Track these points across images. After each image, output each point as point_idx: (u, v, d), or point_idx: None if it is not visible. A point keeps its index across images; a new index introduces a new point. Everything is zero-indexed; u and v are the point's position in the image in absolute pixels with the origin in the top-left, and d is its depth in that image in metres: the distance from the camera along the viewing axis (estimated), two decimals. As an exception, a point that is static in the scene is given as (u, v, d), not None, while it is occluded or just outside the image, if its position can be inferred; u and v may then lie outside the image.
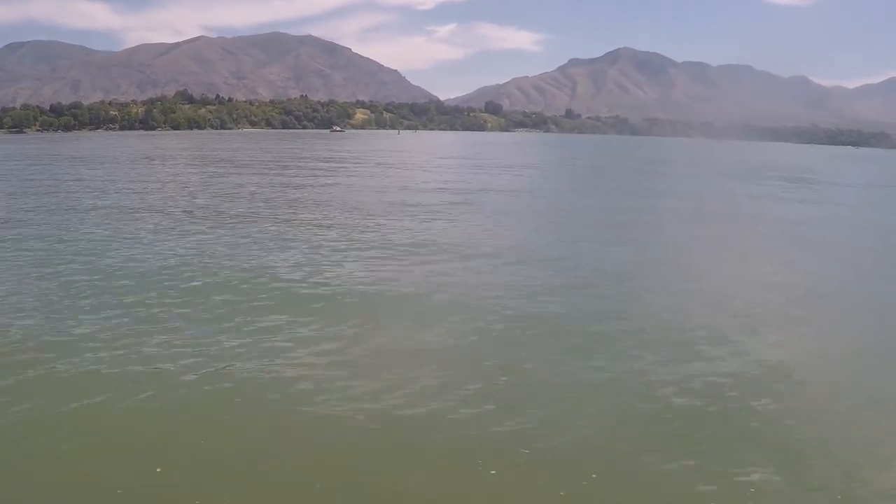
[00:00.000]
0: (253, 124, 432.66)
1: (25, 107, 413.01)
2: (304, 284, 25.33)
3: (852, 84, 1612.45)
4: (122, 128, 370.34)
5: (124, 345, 18.49)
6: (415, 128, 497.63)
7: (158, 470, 12.46)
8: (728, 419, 14.90)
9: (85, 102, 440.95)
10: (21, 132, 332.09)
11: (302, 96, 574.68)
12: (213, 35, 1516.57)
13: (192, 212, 44.40)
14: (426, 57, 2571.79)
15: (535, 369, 17.46)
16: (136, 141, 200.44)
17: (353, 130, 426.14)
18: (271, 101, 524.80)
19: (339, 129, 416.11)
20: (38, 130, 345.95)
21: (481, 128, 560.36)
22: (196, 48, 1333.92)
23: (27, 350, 18.16)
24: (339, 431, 13.97)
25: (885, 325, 21.86)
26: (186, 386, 16.09)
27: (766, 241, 37.34)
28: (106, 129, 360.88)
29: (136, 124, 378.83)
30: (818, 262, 32.37)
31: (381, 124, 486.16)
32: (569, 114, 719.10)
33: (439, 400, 15.43)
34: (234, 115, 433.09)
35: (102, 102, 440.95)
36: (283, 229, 38.14)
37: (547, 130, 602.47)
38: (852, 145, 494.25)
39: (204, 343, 18.88)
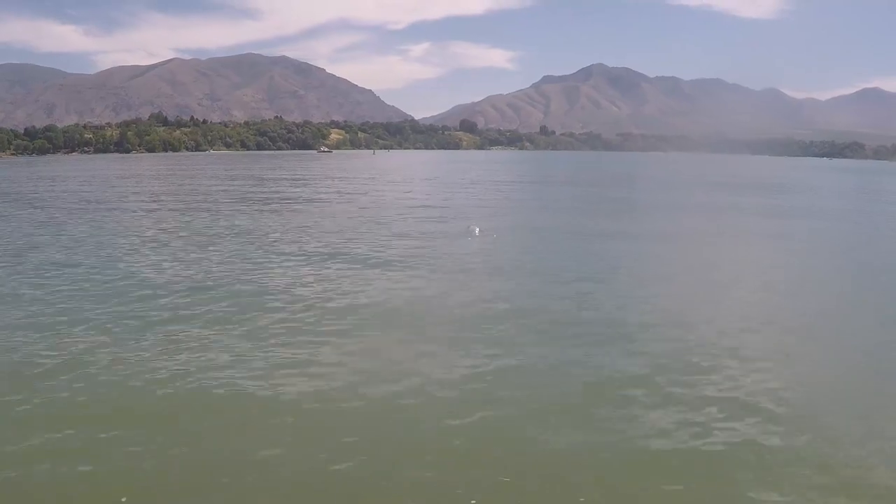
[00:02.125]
0: (228, 146, 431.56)
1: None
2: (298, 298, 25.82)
3: (825, 96, 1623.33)
4: (97, 150, 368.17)
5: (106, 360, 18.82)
6: (388, 147, 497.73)
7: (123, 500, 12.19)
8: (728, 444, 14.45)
9: (59, 125, 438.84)
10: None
11: (276, 117, 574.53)
12: (187, 57, 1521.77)
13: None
14: (400, 76, 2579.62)
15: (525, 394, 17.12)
16: (115, 164, 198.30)
17: (325, 150, 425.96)
18: (246, 123, 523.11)
19: (326, 149, 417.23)
20: (12, 154, 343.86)
21: (456, 146, 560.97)
22: (170, 70, 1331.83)
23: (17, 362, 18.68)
24: (335, 448, 13.92)
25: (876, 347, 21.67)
26: (175, 398, 16.46)
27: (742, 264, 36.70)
28: (81, 153, 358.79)
29: (111, 147, 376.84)
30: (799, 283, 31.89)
31: (356, 144, 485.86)
32: (543, 130, 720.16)
33: (438, 408, 15.79)
34: (209, 137, 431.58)
35: (77, 125, 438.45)
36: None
37: (522, 148, 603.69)
38: (826, 156, 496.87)
39: (191, 355, 19.36)
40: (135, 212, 58.78)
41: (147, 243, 39.64)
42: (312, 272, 31.00)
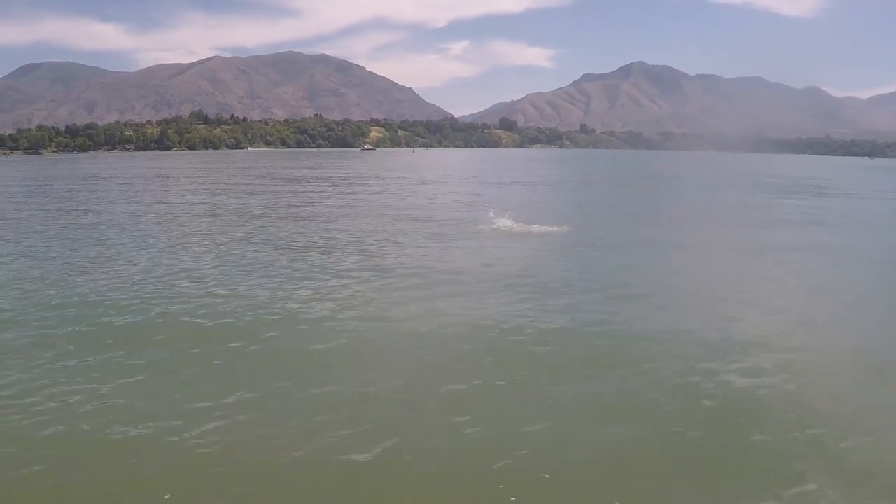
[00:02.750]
0: (268, 144, 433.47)
1: (41, 128, 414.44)
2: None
3: (865, 94, 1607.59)
4: (138, 148, 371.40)
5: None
6: (428, 145, 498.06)
7: (167, 497, 11.96)
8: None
9: (100, 123, 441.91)
10: (37, 153, 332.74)
11: (316, 115, 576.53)
12: (227, 55, 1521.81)
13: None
14: (439, 74, 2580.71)
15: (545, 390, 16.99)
16: (156, 162, 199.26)
17: (368, 149, 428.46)
18: (286, 121, 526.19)
19: (369, 147, 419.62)
20: (53, 151, 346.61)
21: (496, 144, 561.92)
22: (210, 68, 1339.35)
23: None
24: (342, 461, 13.30)
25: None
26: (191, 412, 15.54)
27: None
28: (122, 150, 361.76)
29: (152, 144, 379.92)
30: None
31: (395, 142, 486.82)
32: (583, 129, 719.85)
33: (452, 423, 14.94)
34: (249, 135, 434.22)
35: (118, 123, 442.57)
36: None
37: (562, 146, 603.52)
38: (867, 156, 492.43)
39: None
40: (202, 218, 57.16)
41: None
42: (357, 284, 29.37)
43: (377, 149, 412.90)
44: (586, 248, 37.01)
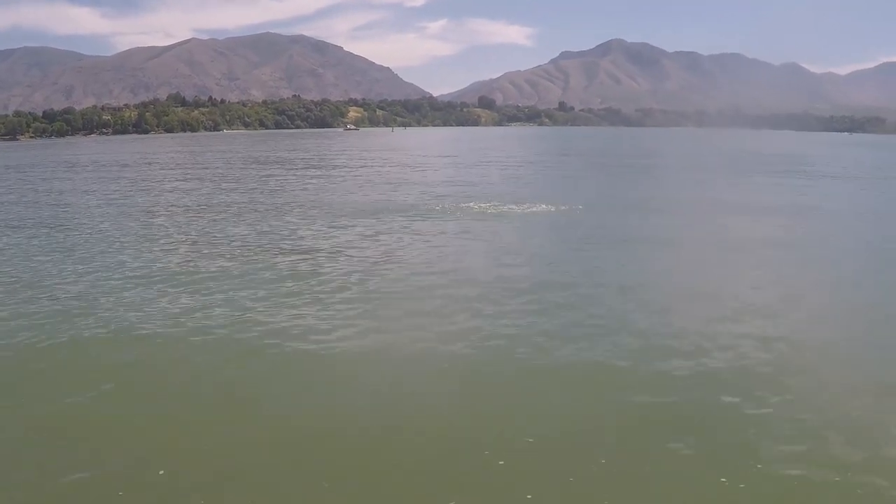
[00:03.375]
0: (246, 125, 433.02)
1: (18, 113, 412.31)
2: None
3: (844, 70, 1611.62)
4: (116, 132, 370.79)
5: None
6: (406, 124, 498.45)
7: (161, 472, 12.52)
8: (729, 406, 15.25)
9: (77, 108, 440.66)
10: (14, 139, 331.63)
11: (294, 96, 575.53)
12: (204, 37, 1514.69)
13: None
14: (418, 53, 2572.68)
15: (530, 359, 17.91)
16: (135, 146, 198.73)
17: (351, 128, 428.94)
18: (264, 102, 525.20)
19: (352, 127, 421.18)
20: (31, 137, 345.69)
21: (475, 123, 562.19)
22: (187, 51, 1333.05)
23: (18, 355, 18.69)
24: (339, 434, 14.07)
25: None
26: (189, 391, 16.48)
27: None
28: (99, 134, 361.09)
29: (130, 128, 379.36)
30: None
31: (374, 122, 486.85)
32: (562, 107, 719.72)
33: (438, 396, 15.82)
34: (228, 117, 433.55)
35: (95, 107, 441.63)
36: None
37: (541, 124, 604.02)
38: (847, 131, 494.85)
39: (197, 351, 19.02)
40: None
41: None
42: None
43: (359, 129, 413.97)
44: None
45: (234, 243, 33.81)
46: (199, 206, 48.73)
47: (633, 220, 42.33)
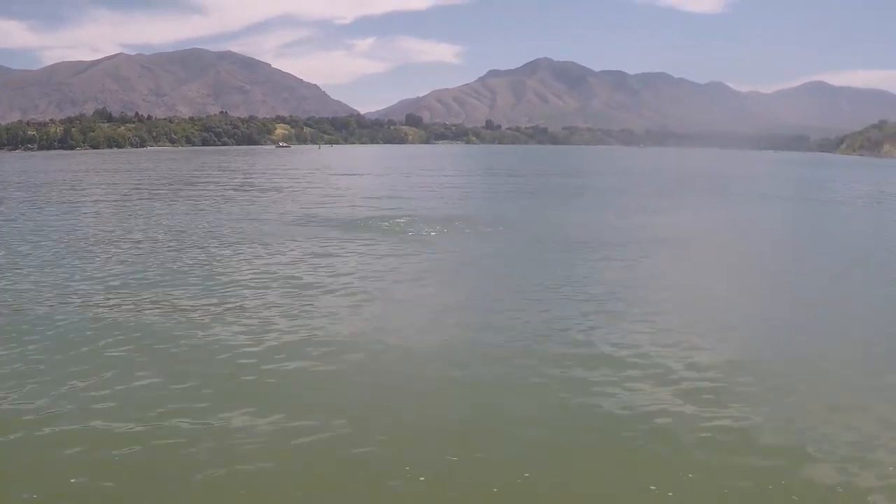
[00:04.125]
0: (173, 142, 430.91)
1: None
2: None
3: (769, 89, 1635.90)
4: (41, 147, 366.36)
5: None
6: (333, 142, 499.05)
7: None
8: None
9: (2, 123, 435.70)
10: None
11: (221, 113, 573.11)
12: (132, 52, 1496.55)
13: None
14: (346, 71, 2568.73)
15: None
16: (57, 162, 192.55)
17: (284, 146, 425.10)
18: (191, 119, 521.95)
19: (285, 144, 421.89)
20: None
21: (402, 141, 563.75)
22: (114, 66, 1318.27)
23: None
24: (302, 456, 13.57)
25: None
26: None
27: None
28: (24, 150, 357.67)
29: (55, 144, 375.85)
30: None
31: (301, 139, 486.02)
32: (489, 125, 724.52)
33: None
34: (154, 133, 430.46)
35: (20, 122, 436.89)
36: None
37: (468, 142, 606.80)
38: (772, 149, 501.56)
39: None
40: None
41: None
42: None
43: (291, 146, 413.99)
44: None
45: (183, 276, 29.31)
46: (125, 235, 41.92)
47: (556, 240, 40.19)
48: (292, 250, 35.03)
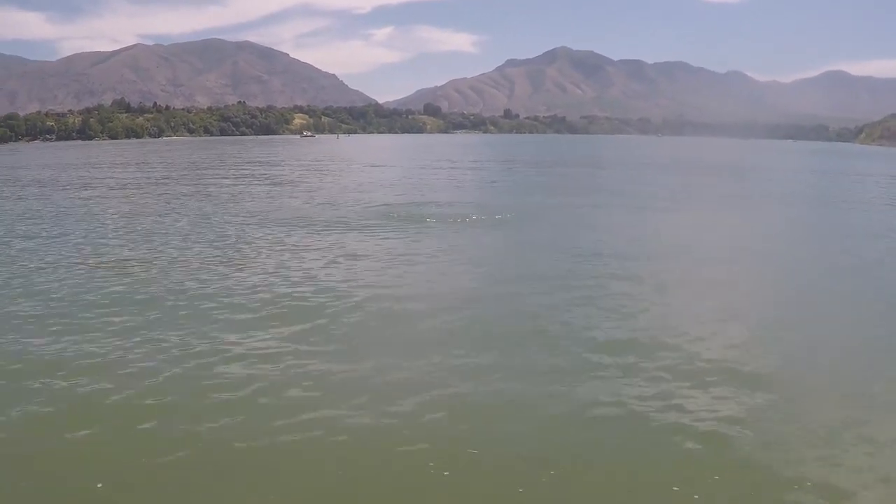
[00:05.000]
0: (191, 132, 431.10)
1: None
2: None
3: (789, 79, 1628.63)
4: (60, 138, 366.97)
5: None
6: (351, 131, 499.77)
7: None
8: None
9: (21, 113, 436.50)
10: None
11: (240, 102, 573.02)
12: (150, 43, 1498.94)
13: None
14: (364, 61, 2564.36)
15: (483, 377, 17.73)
16: (75, 152, 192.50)
17: (292, 136, 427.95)
18: (209, 109, 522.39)
19: (309, 134, 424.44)
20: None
21: (420, 130, 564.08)
22: (132, 56, 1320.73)
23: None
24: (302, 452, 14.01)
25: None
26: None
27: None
28: (43, 140, 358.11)
29: (74, 134, 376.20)
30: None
31: (319, 129, 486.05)
32: (507, 114, 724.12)
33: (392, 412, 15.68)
34: (172, 123, 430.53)
35: (39, 113, 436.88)
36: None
37: (486, 131, 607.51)
38: (791, 139, 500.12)
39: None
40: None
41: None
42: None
43: (316, 136, 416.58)
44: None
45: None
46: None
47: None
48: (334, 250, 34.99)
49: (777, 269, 32.72)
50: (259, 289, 26.49)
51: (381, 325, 22.18)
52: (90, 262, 32.10)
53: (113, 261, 32.33)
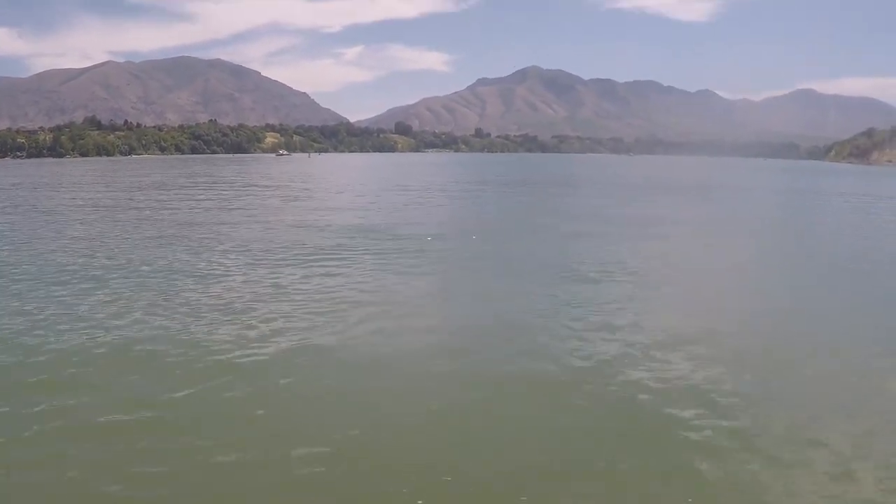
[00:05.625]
0: (162, 150, 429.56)
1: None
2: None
3: (758, 97, 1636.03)
4: (30, 155, 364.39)
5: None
6: (322, 150, 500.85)
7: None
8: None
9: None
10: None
11: (211, 121, 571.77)
12: (121, 60, 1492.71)
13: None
14: (335, 79, 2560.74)
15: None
16: (52, 168, 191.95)
17: (262, 154, 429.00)
18: (180, 127, 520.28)
19: (284, 153, 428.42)
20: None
21: (391, 149, 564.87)
22: (103, 73, 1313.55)
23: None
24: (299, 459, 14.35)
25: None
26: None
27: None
28: (13, 158, 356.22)
29: (45, 151, 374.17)
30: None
31: (291, 148, 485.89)
32: (478, 133, 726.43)
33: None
34: (144, 141, 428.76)
35: (9, 130, 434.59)
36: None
37: (457, 150, 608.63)
38: (762, 157, 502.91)
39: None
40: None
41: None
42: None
43: (292, 155, 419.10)
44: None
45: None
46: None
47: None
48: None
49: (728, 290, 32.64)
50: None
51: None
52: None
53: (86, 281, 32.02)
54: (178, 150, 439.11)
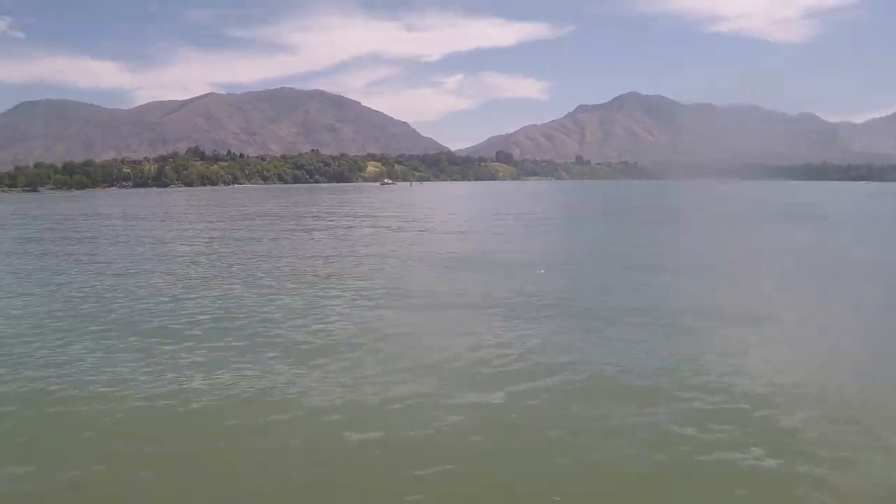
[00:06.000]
0: (265, 179, 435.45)
1: (39, 165, 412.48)
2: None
3: (859, 119, 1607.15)
4: (136, 185, 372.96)
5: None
6: (424, 179, 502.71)
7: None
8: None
9: (97, 160, 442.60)
10: (35, 191, 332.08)
11: (313, 150, 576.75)
12: (222, 92, 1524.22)
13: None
14: (435, 108, 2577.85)
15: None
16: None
17: (364, 183, 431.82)
18: (283, 157, 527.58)
19: (389, 181, 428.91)
20: (51, 189, 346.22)
21: (493, 177, 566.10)
22: (205, 105, 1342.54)
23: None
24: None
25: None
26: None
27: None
28: (119, 187, 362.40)
29: (150, 181, 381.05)
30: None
31: (392, 176, 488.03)
32: (579, 160, 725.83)
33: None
34: (247, 171, 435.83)
35: (115, 160, 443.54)
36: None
37: (558, 178, 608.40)
38: (864, 180, 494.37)
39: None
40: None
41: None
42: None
43: (396, 183, 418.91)
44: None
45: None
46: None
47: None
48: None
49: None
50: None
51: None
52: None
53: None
54: (281, 179, 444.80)
